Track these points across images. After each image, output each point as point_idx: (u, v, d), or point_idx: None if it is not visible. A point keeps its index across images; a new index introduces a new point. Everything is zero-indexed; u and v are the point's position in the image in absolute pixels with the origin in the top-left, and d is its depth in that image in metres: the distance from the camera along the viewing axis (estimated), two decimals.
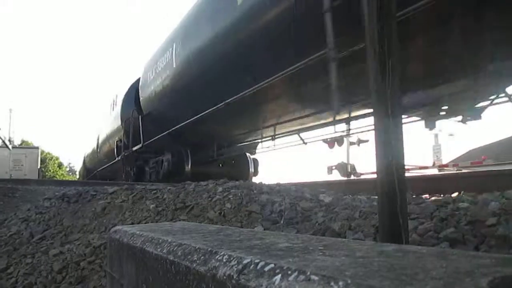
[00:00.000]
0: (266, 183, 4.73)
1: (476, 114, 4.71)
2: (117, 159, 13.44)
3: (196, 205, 3.87)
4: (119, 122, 13.27)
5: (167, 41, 9.23)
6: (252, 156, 10.67)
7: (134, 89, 12.22)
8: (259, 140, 8.69)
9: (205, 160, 9.73)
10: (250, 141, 9.10)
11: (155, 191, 4.83)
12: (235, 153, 9.71)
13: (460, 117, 4.83)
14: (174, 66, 8.32)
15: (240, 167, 10.43)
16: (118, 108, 13.73)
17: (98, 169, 18.36)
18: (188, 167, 9.64)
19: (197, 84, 7.55)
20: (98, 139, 18.68)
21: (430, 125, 5.07)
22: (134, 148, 11.19)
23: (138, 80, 11.85)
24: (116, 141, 13.89)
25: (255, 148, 10.17)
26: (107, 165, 15.85)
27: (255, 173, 10.71)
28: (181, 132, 8.85)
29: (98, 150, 18.47)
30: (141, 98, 11.03)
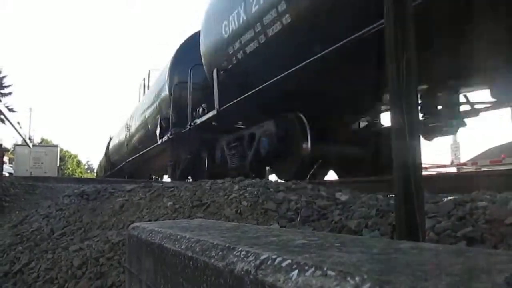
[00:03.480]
0: (282, 181, 4.74)
1: None
2: (159, 142, 18.34)
3: (213, 202, 3.90)
4: (164, 94, 15.97)
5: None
6: None
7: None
8: None
9: None
10: None
11: (172, 188, 4.88)
12: None
13: None
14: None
15: None
16: (165, 75, 17.91)
17: (128, 159, 24.57)
18: None
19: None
20: (127, 126, 24.86)
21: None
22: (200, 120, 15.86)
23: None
24: (160, 119, 18.12)
25: None
26: (143, 152, 23.05)
27: None
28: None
29: (129, 138, 25.28)
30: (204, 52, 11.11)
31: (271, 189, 3.90)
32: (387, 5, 1.56)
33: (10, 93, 38.05)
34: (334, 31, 4.38)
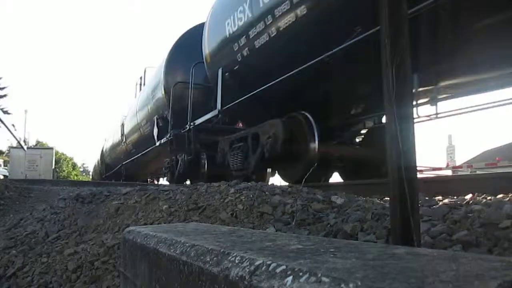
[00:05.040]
0: (278, 184, 4.74)
1: None
2: (157, 144, 10.70)
3: (208, 206, 3.89)
4: (160, 93, 10.63)
5: None
6: None
7: (195, 37, 8.96)
8: None
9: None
10: None
11: (167, 192, 4.87)
12: None
13: None
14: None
15: None
16: (160, 73, 10.61)
17: (124, 162, 16.11)
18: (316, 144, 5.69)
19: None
20: (122, 126, 16.05)
21: None
22: (199, 121, 8.27)
23: (201, 25, 8.76)
24: (156, 119, 10.92)
25: None
26: (140, 154, 13.35)
27: None
28: (270, 98, 6.30)
29: (124, 139, 15.74)
30: (207, 50, 7.80)
31: (267, 192, 3.90)
32: (382, 10, 1.57)
33: (5, 95, 37.82)
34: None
